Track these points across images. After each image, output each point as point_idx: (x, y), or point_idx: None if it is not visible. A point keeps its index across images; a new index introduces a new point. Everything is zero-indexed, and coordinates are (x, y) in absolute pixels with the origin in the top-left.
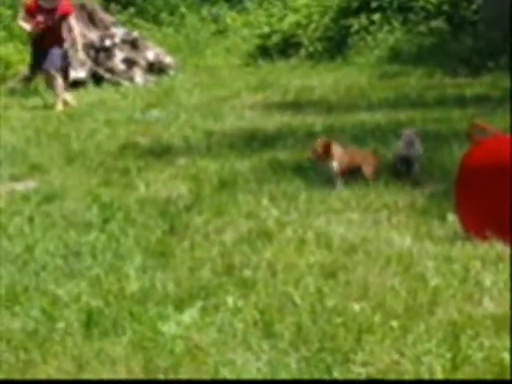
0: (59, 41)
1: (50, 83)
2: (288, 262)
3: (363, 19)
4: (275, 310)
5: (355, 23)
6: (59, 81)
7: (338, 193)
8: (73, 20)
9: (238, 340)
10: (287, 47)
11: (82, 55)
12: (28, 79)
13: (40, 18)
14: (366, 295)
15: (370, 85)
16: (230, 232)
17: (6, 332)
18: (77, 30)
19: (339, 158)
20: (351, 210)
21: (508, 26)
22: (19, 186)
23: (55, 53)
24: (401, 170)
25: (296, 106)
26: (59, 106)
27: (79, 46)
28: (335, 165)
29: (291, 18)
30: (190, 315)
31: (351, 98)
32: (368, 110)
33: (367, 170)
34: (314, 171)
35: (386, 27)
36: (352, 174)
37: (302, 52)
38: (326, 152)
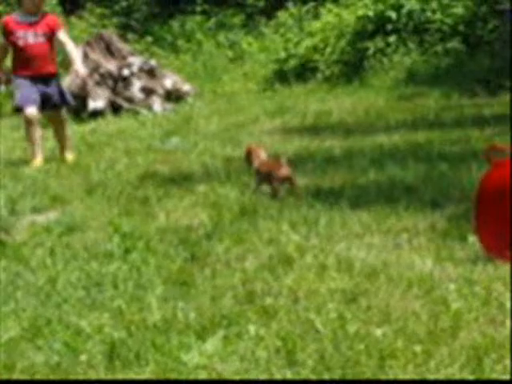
0: (50, 68)
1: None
2: (309, 288)
3: (379, 41)
4: (297, 338)
5: (371, 46)
6: (38, 130)
7: (352, 217)
8: (62, 34)
9: (261, 368)
10: (304, 71)
11: (83, 71)
12: None
13: (21, 42)
14: (388, 320)
15: (387, 107)
16: (251, 259)
17: (30, 366)
18: (71, 45)
19: (261, 162)
20: (371, 234)
21: None
22: (40, 218)
23: (50, 87)
24: None
25: (314, 130)
26: (37, 160)
27: (78, 61)
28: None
29: (307, 42)
30: (212, 344)
31: (369, 121)
32: (386, 131)
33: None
34: (334, 196)
35: (402, 49)
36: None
37: (319, 76)
38: (249, 157)
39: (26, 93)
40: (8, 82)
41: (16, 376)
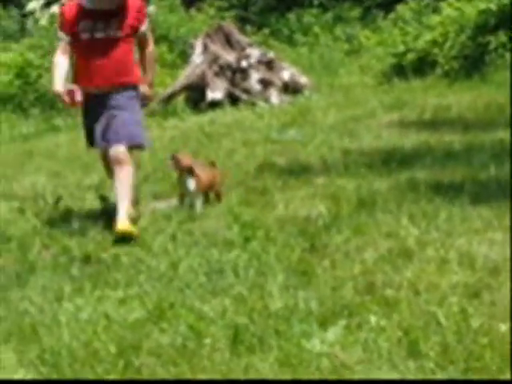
0: (130, 76)
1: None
2: (430, 281)
3: (501, 36)
4: (419, 330)
5: (493, 40)
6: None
7: (472, 212)
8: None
9: (383, 359)
10: (423, 66)
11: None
12: (166, 101)
13: (85, 35)
14: None
15: (508, 102)
16: (371, 251)
17: (156, 347)
18: (152, 45)
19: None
20: (493, 230)
21: None
22: (161, 205)
23: (130, 108)
24: None
25: (433, 124)
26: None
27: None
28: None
29: (427, 37)
30: (333, 333)
31: (489, 116)
32: (507, 128)
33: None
34: (454, 191)
35: None
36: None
37: (438, 70)
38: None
39: None
40: None
41: (143, 356)
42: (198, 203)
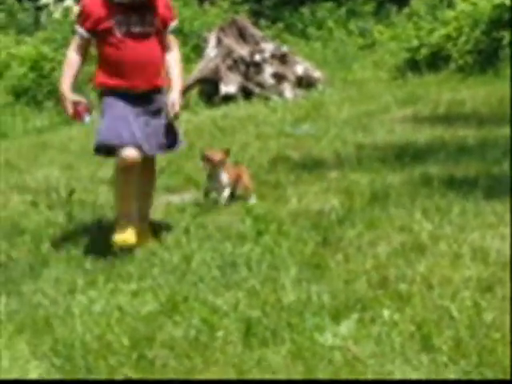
0: (162, 78)
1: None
2: (443, 275)
3: None
4: (432, 324)
5: (507, 35)
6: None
7: (485, 207)
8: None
9: (396, 352)
10: (436, 60)
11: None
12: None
13: (121, 30)
14: None
15: None
16: (384, 245)
17: (169, 340)
18: (177, 47)
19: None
20: (506, 225)
21: None
22: (175, 198)
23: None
24: None
25: (447, 119)
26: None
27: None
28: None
29: (441, 31)
30: (346, 327)
31: (503, 111)
32: None
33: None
34: (467, 186)
35: None
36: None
37: (452, 65)
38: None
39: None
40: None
41: (156, 348)
42: (226, 194)
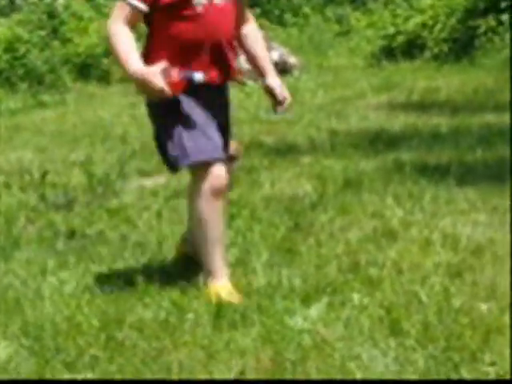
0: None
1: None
2: (413, 261)
3: (491, 20)
4: (401, 308)
5: (482, 24)
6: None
7: (458, 194)
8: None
9: (365, 336)
10: (412, 48)
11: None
12: None
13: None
14: (494, 296)
15: (497, 86)
16: (355, 230)
17: (139, 321)
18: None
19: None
20: (477, 211)
21: None
22: (148, 182)
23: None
24: None
25: (421, 106)
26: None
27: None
28: None
29: (416, 19)
30: (316, 310)
31: (477, 100)
32: (495, 111)
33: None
34: (440, 173)
35: None
36: None
37: (427, 53)
38: None
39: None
40: None
41: (125, 330)
42: None
